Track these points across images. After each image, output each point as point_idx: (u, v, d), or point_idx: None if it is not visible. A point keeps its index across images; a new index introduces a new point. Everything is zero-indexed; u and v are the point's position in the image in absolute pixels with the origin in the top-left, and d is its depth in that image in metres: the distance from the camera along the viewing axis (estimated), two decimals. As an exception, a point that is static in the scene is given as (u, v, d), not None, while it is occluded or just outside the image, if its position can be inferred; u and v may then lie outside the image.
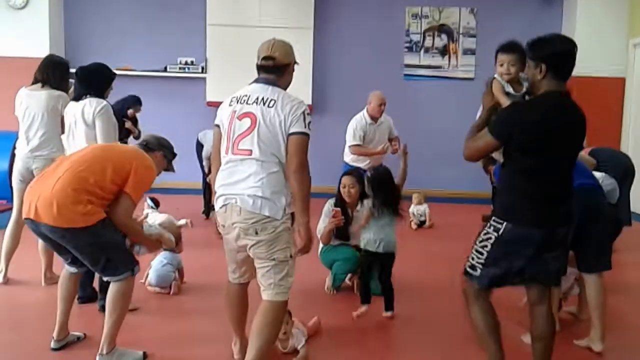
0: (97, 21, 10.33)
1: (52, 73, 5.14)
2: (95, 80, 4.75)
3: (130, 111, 7.45)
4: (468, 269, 3.23)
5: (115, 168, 3.60)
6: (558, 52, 3.09)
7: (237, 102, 3.35)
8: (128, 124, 7.26)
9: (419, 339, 4.31)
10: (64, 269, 3.93)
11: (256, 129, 3.23)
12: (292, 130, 3.23)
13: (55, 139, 5.10)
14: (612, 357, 4.10)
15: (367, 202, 4.78)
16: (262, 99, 3.30)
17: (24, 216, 3.59)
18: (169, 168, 4.18)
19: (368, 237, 4.60)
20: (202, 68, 10.16)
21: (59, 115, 5.05)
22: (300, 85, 9.75)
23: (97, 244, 3.52)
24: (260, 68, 3.48)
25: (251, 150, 3.22)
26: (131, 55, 10.22)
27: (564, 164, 3.15)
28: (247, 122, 3.26)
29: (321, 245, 5.25)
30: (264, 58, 3.48)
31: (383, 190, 4.59)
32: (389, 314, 4.63)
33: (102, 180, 3.54)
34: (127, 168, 3.61)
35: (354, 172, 5.21)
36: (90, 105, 4.60)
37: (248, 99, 3.32)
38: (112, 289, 3.65)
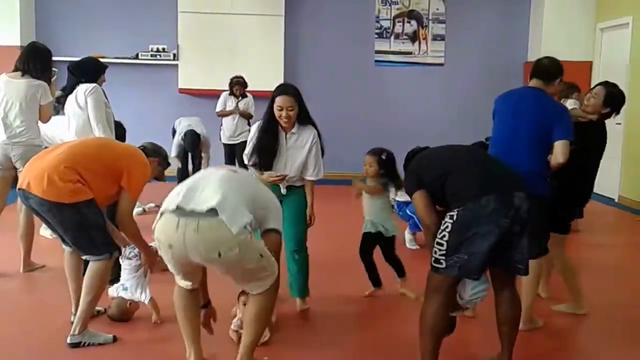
0: (68, 8, 10.25)
1: (32, 63, 5.17)
2: (85, 70, 5.16)
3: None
4: (434, 264, 3.20)
5: (107, 164, 3.76)
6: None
7: None
8: None
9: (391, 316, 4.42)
10: (64, 252, 4.01)
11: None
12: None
13: (33, 127, 5.18)
14: (572, 337, 4.28)
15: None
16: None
17: (17, 187, 3.74)
18: (161, 177, 4.33)
19: (368, 220, 4.73)
20: (174, 55, 10.14)
21: (37, 103, 5.16)
22: (271, 72, 9.82)
23: (80, 222, 3.63)
24: None
25: None
26: (103, 43, 10.16)
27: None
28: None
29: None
30: None
31: (395, 169, 4.74)
32: (402, 280, 4.81)
33: (93, 170, 3.69)
34: (119, 166, 3.76)
35: (291, 89, 4.41)
36: (81, 89, 5.04)
37: None
38: (89, 269, 3.74)
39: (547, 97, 4.04)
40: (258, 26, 10.06)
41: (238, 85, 8.66)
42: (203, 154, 8.49)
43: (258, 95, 8.74)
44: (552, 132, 3.87)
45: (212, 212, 2.95)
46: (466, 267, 3.12)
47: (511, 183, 3.25)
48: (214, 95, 9.21)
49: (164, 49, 10.20)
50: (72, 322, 3.93)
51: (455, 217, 3.14)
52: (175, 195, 3.11)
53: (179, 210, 3.01)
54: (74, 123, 5.09)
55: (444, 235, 3.15)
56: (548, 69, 4.10)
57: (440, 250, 3.16)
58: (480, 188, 3.15)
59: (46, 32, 10.08)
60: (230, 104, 8.72)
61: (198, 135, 8.26)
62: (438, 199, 3.33)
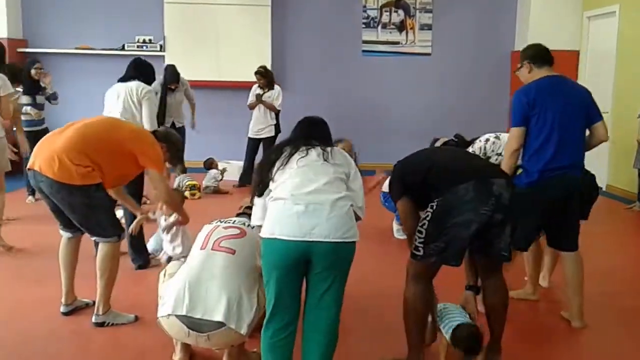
0: (54, 0, 10.17)
1: None
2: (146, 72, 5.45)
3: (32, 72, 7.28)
4: (413, 251, 3.25)
5: (116, 145, 3.83)
6: None
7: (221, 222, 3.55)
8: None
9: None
10: (62, 238, 4.04)
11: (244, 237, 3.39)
12: None
13: None
14: (561, 324, 4.27)
15: None
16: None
17: (28, 166, 3.78)
18: (171, 162, 4.44)
19: None
20: (161, 46, 10.08)
21: None
22: (258, 62, 9.74)
23: (89, 205, 3.72)
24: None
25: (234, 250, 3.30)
26: (89, 34, 10.10)
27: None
28: (235, 230, 3.43)
29: None
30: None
31: None
32: None
33: (103, 150, 3.76)
34: (128, 147, 3.85)
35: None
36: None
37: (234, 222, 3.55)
38: (100, 252, 3.85)
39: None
40: (245, 17, 10.02)
41: (258, 75, 8.46)
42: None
43: (244, 87, 8.72)
44: (589, 115, 3.98)
45: (220, 322, 3.07)
46: (444, 254, 3.17)
47: (489, 171, 3.32)
48: (202, 86, 9.18)
49: (150, 40, 10.14)
50: (63, 313, 4.03)
51: (435, 207, 3.18)
52: (181, 298, 3.11)
53: (187, 318, 3.08)
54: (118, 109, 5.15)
55: (424, 224, 3.21)
56: (550, 54, 4.12)
57: (419, 238, 3.22)
58: (457, 177, 3.19)
59: (33, 23, 10.02)
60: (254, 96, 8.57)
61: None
62: (424, 199, 3.32)
